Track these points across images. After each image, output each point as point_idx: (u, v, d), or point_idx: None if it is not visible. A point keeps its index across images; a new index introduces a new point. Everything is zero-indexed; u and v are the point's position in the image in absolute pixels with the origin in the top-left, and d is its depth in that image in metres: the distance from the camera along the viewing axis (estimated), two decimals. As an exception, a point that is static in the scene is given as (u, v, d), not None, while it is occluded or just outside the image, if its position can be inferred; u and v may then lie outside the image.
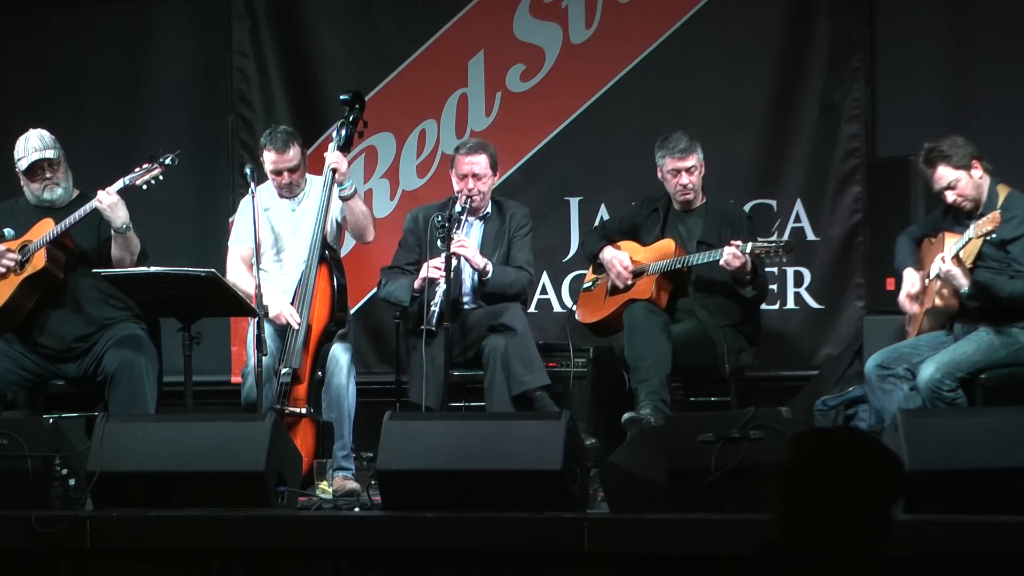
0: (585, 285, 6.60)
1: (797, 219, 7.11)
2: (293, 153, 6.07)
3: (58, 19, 7.70)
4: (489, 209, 6.33)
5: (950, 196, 5.67)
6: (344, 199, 6.00)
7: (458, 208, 6.06)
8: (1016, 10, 6.90)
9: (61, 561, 5.02)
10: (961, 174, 5.63)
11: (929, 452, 4.60)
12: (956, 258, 5.51)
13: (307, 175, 6.21)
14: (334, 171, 5.93)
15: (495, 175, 6.27)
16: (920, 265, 5.82)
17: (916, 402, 5.53)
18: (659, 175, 6.30)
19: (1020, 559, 4.46)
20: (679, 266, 6.17)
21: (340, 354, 5.87)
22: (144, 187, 5.86)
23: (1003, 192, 5.67)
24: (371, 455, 5.51)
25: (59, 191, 6.02)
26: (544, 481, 4.82)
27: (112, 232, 5.86)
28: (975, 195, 5.65)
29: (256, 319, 5.73)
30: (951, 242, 5.56)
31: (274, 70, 7.49)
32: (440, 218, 5.92)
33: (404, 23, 7.44)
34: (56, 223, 5.90)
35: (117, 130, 7.62)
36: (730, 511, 4.66)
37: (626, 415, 5.80)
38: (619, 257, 6.32)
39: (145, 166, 5.87)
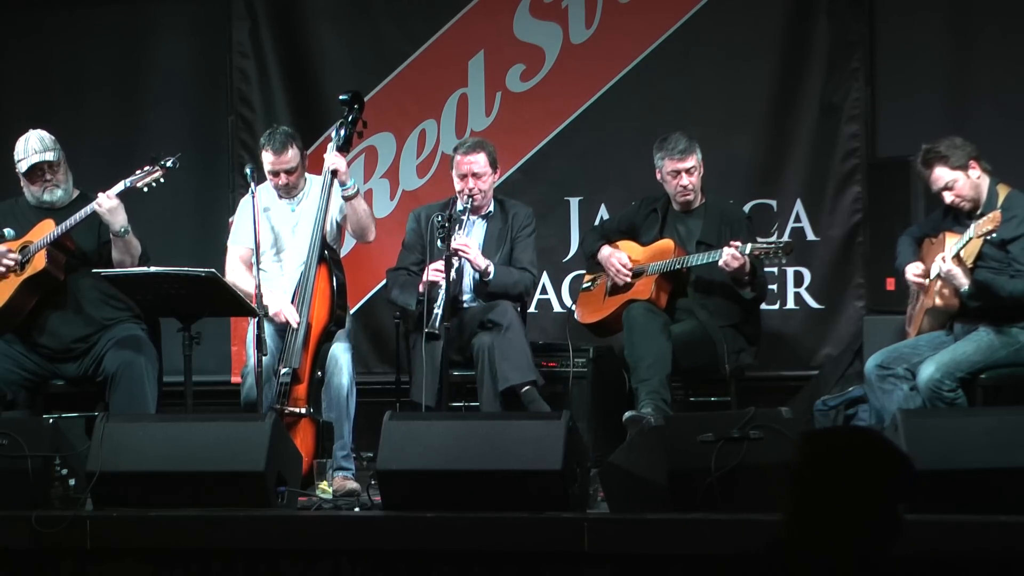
0: (584, 285, 6.60)
1: (797, 219, 7.11)
2: (291, 155, 6.07)
3: (58, 19, 7.70)
4: (492, 208, 6.33)
5: (948, 197, 5.67)
6: (347, 199, 6.00)
7: (460, 207, 6.07)
8: (1016, 10, 6.90)
9: (61, 561, 5.02)
10: (958, 175, 5.63)
11: (929, 452, 4.59)
12: (956, 257, 5.51)
13: (307, 175, 6.21)
14: (334, 173, 5.93)
15: (495, 173, 6.28)
16: (920, 264, 5.82)
17: (916, 402, 5.53)
18: (658, 176, 6.30)
19: (1020, 559, 4.46)
20: (678, 266, 6.17)
21: (340, 354, 5.88)
22: (145, 189, 5.86)
23: (1003, 192, 5.67)
24: (371, 455, 5.52)
25: (59, 192, 6.02)
26: (544, 481, 4.82)
27: (111, 235, 5.86)
28: (973, 195, 5.65)
29: (256, 319, 5.73)
30: (951, 242, 5.56)
31: (274, 70, 7.49)
32: (441, 218, 5.93)
33: (404, 23, 7.44)
34: (57, 224, 5.90)
35: (117, 130, 7.62)
36: (730, 511, 4.66)
37: (627, 414, 5.80)
38: (617, 256, 6.32)
39: (146, 168, 5.87)
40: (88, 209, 5.83)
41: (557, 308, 7.27)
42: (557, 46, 7.28)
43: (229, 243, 6.31)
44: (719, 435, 4.76)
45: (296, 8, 7.51)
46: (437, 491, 4.90)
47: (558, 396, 6.13)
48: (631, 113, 7.22)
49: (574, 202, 7.31)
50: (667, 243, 6.26)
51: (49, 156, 5.98)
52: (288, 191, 6.16)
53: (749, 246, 5.97)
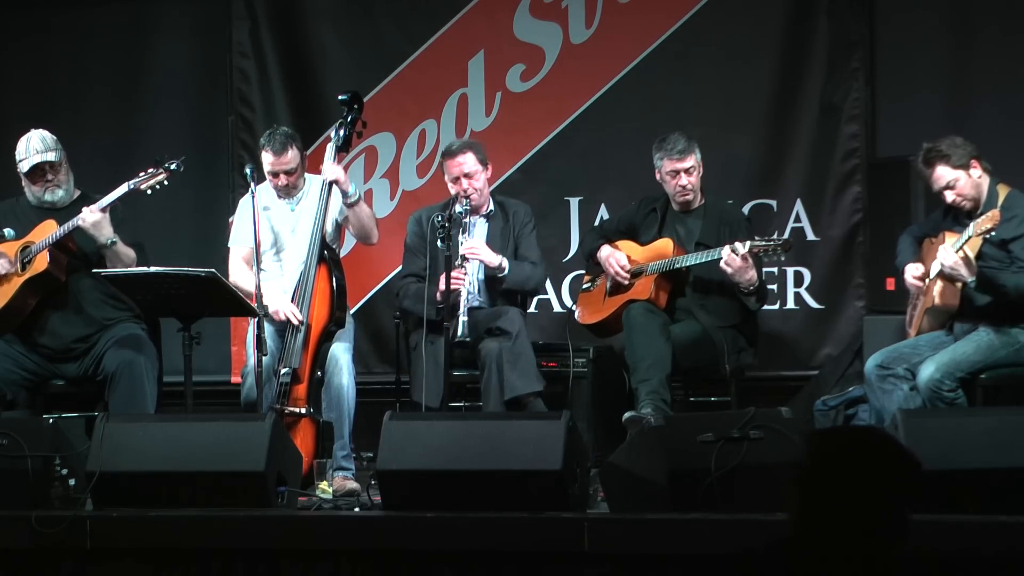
0: (584, 286, 6.60)
1: (797, 219, 7.11)
2: (290, 156, 6.07)
3: (58, 19, 7.70)
4: (491, 207, 6.33)
5: (949, 196, 5.66)
6: (350, 206, 6.01)
7: (459, 209, 6.06)
8: (1016, 10, 6.90)
9: (61, 561, 5.02)
10: (960, 174, 5.63)
11: (929, 452, 4.58)
12: (960, 251, 5.49)
13: (306, 174, 6.21)
14: (334, 183, 5.93)
15: (487, 169, 6.27)
16: (920, 264, 5.82)
17: (916, 402, 5.53)
18: (657, 176, 6.30)
19: (1020, 559, 4.46)
20: (677, 266, 6.17)
21: (340, 354, 5.88)
22: (148, 192, 5.87)
23: (1003, 191, 5.67)
24: (371, 455, 5.52)
25: (60, 193, 6.03)
26: (544, 481, 4.82)
27: (98, 248, 5.86)
28: (974, 195, 5.65)
29: (256, 319, 5.73)
30: (951, 241, 5.56)
31: (274, 70, 7.49)
32: (440, 218, 5.92)
33: (404, 23, 7.44)
34: (59, 224, 5.90)
35: (117, 130, 7.62)
36: (730, 511, 4.66)
37: (627, 414, 5.80)
38: (615, 256, 6.32)
39: (150, 171, 5.88)
40: (71, 224, 5.83)
41: (557, 308, 7.27)
42: (557, 46, 7.28)
43: (230, 244, 6.31)
44: (719, 435, 4.76)
45: (296, 8, 7.50)
46: (437, 491, 4.90)
47: (558, 396, 6.13)
48: (631, 113, 7.21)
49: (574, 202, 7.31)
50: (666, 243, 6.26)
51: (51, 156, 5.99)
52: (288, 192, 6.16)
53: (748, 244, 5.97)
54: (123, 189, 5.85)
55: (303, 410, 5.74)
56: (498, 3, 7.34)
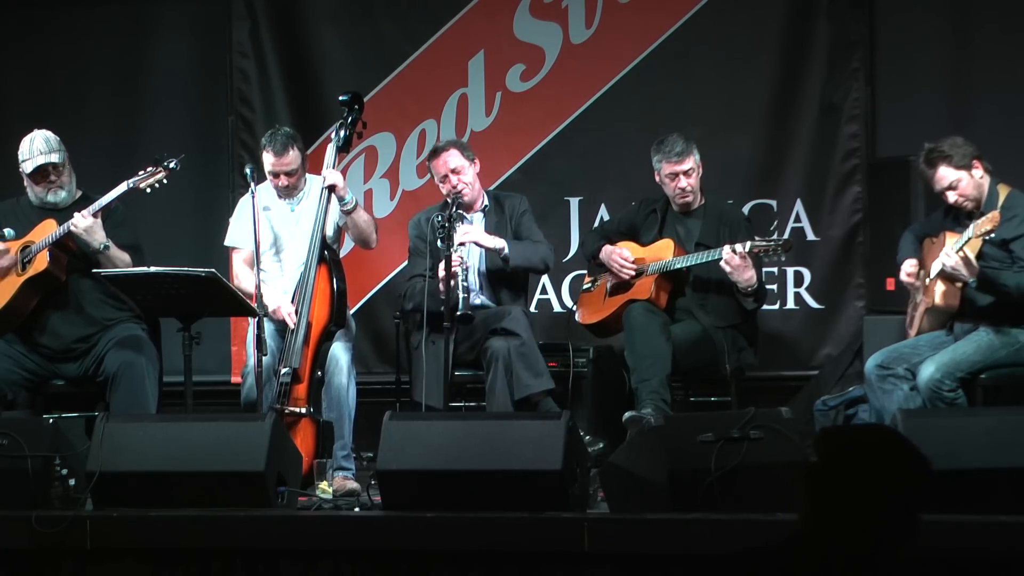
0: (585, 286, 6.60)
1: (797, 219, 7.11)
2: (291, 157, 6.06)
3: (58, 19, 7.70)
4: (486, 202, 6.34)
5: (951, 196, 5.66)
6: (347, 213, 6.01)
7: (452, 209, 6.06)
8: (1016, 10, 6.90)
9: (61, 561, 5.02)
10: (962, 174, 5.63)
11: (929, 452, 4.57)
12: (960, 250, 5.49)
13: (307, 175, 6.21)
14: (332, 188, 5.93)
15: (473, 163, 6.26)
16: (921, 264, 5.82)
17: (916, 402, 5.53)
18: (657, 178, 6.30)
19: (1020, 559, 4.46)
20: (678, 266, 6.17)
21: (340, 354, 5.88)
22: (148, 190, 5.87)
23: (1003, 192, 5.67)
24: (371, 455, 5.52)
25: (63, 194, 6.03)
26: (544, 481, 4.82)
27: (92, 252, 5.86)
28: (976, 195, 5.65)
29: (256, 319, 5.73)
30: (952, 241, 5.56)
31: (274, 70, 7.49)
32: (440, 219, 5.93)
33: (404, 23, 7.44)
34: (59, 224, 5.90)
35: (117, 130, 7.62)
36: (730, 511, 4.66)
37: (627, 414, 5.80)
38: (619, 251, 6.32)
39: (149, 169, 5.88)
40: (63, 229, 5.83)
41: (557, 308, 7.28)
42: (557, 46, 7.28)
43: (229, 244, 6.30)
44: (719, 435, 4.76)
45: (296, 8, 7.51)
46: (437, 491, 4.90)
47: (558, 396, 6.13)
48: (631, 113, 7.22)
49: (574, 202, 7.31)
50: (667, 243, 6.26)
51: (55, 157, 5.99)
52: (288, 192, 6.16)
53: (748, 244, 5.97)
54: (122, 188, 5.85)
55: (303, 410, 5.74)
56: (498, 3, 7.34)
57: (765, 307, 6.49)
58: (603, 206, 7.22)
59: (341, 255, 6.27)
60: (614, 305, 6.30)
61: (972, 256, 5.48)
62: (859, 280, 7.03)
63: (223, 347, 7.25)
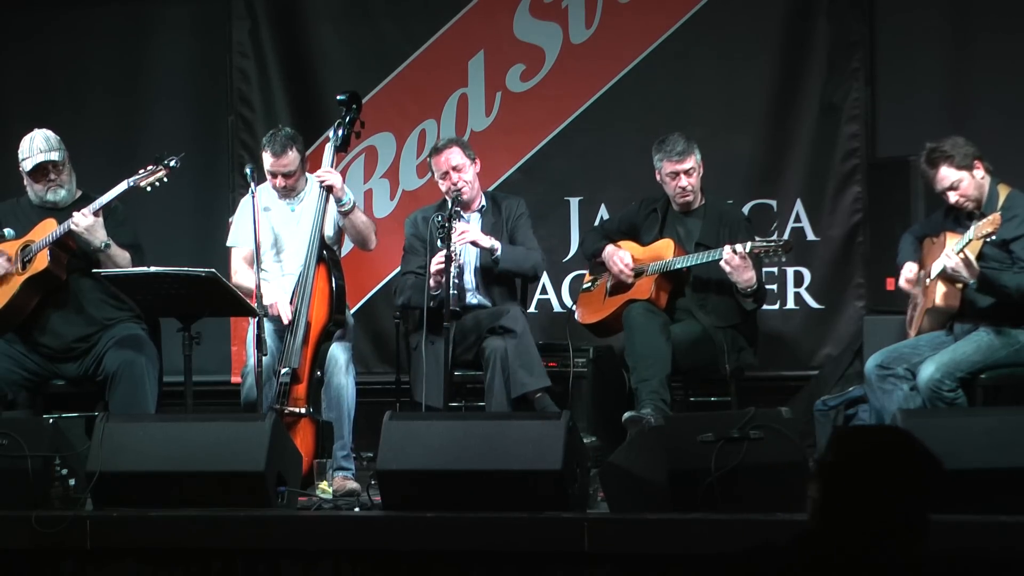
0: (585, 286, 6.60)
1: (797, 219, 7.11)
2: (290, 158, 6.06)
3: (58, 19, 7.69)
4: (484, 202, 6.35)
5: (952, 197, 5.66)
6: (344, 214, 6.01)
7: (450, 205, 6.07)
8: (1016, 10, 6.90)
9: (61, 561, 5.02)
10: (964, 174, 5.63)
11: (930, 452, 4.59)
12: (961, 252, 5.49)
13: (307, 175, 6.21)
14: (329, 189, 5.94)
15: (475, 164, 6.28)
16: (921, 264, 5.82)
17: (916, 402, 5.53)
18: (658, 178, 6.30)
19: (1020, 559, 4.46)
20: (678, 266, 6.17)
21: (339, 354, 5.88)
22: (148, 189, 5.87)
23: (1003, 192, 5.67)
24: (371, 455, 5.52)
25: (63, 192, 6.03)
26: (544, 481, 4.82)
27: (92, 251, 5.86)
28: (977, 195, 5.65)
29: (256, 319, 5.73)
30: (952, 242, 5.56)
31: (274, 70, 7.49)
32: (440, 218, 5.94)
33: (404, 23, 7.44)
34: (59, 223, 5.90)
35: (117, 130, 7.61)
36: (730, 511, 4.66)
37: (627, 414, 5.80)
38: (620, 255, 6.32)
39: (149, 168, 5.88)
40: (62, 228, 5.83)
41: (557, 308, 7.27)
42: (557, 46, 7.28)
43: (230, 244, 6.31)
44: (719, 435, 4.77)
45: (296, 8, 7.50)
46: (437, 491, 4.90)
47: (558, 396, 6.13)
48: (631, 113, 7.22)
49: (574, 202, 7.31)
50: (668, 243, 6.26)
51: (54, 156, 5.99)
52: (287, 193, 6.16)
53: (749, 245, 5.97)
54: (122, 187, 5.85)
55: (303, 410, 5.74)
56: (498, 3, 7.34)
57: (765, 307, 6.50)
58: (603, 206, 7.21)
59: (341, 255, 6.27)
60: (614, 305, 6.30)
61: (972, 257, 5.48)
62: (859, 280, 7.03)
63: (223, 347, 7.24)
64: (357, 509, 5.17)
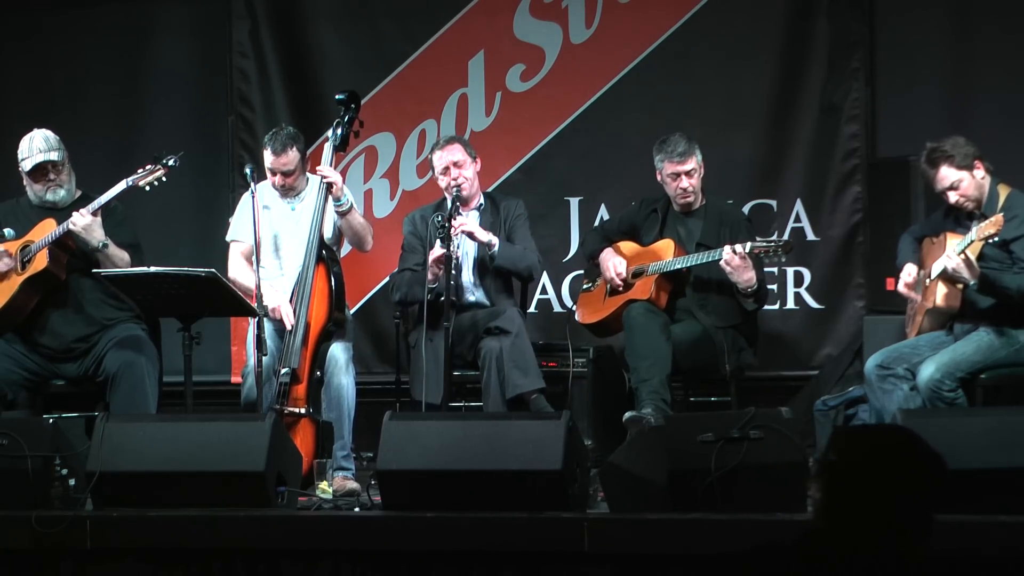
0: (585, 286, 6.60)
1: (797, 219, 7.11)
2: (290, 157, 6.07)
3: (58, 19, 7.70)
4: (482, 201, 6.35)
5: (952, 197, 5.66)
6: (341, 215, 6.01)
7: (449, 202, 6.08)
8: (1016, 10, 6.90)
9: (61, 561, 5.02)
10: (964, 174, 5.63)
11: (930, 452, 4.59)
12: (962, 253, 5.49)
13: (307, 175, 6.21)
14: (329, 186, 5.94)
15: (475, 162, 6.29)
16: (921, 264, 5.82)
17: (916, 402, 5.53)
18: (658, 178, 6.30)
19: (1020, 559, 4.46)
20: (679, 266, 6.17)
21: (339, 354, 5.88)
22: (147, 188, 5.87)
23: (1004, 192, 5.67)
24: (371, 455, 5.52)
25: (62, 192, 6.03)
26: (544, 481, 4.82)
27: (90, 251, 5.86)
28: (977, 195, 5.65)
29: (256, 319, 5.73)
30: (954, 242, 5.56)
31: (274, 70, 7.49)
32: (439, 218, 5.94)
33: (404, 23, 7.44)
34: (58, 223, 5.90)
35: (117, 130, 7.62)
36: (730, 511, 4.66)
37: (627, 414, 5.80)
38: (614, 261, 6.32)
39: (148, 167, 5.88)
40: (61, 229, 5.83)
41: (557, 308, 7.27)
42: (557, 46, 7.28)
43: (229, 238, 6.31)
44: (719, 435, 4.76)
45: (296, 8, 7.50)
46: (437, 491, 4.90)
47: (558, 396, 6.13)
48: (631, 113, 7.22)
49: (574, 202, 7.31)
50: (668, 243, 6.26)
51: (54, 156, 5.99)
52: (286, 191, 6.16)
53: (749, 245, 5.97)
54: (121, 186, 5.85)
55: (303, 410, 5.74)
56: (498, 3, 7.34)
57: (765, 307, 6.49)
58: (603, 206, 7.22)
59: (341, 255, 6.27)
60: (614, 305, 6.30)
61: (973, 258, 5.48)
62: (859, 280, 7.03)
63: (223, 347, 7.25)
64: (357, 509, 5.17)
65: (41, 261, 5.88)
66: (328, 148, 6.08)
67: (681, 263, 6.16)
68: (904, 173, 6.40)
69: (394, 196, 7.41)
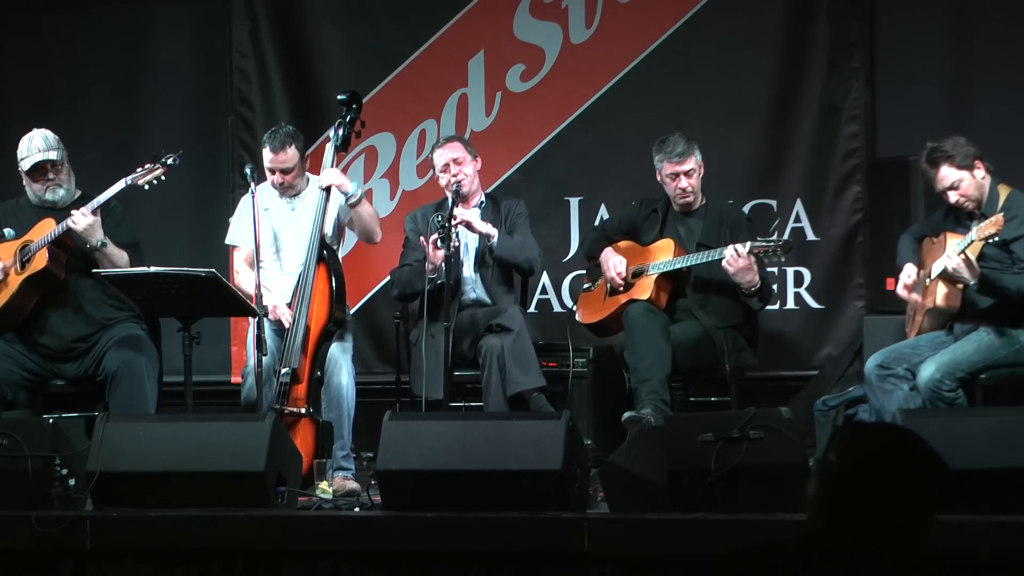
0: (585, 286, 6.60)
1: (797, 219, 7.11)
2: (288, 155, 6.07)
3: (58, 19, 7.70)
4: (483, 199, 6.36)
5: (953, 196, 5.66)
6: (352, 206, 6.01)
7: (450, 199, 6.08)
8: (1016, 10, 6.90)
9: (61, 561, 5.02)
10: (964, 174, 5.63)
11: (930, 452, 4.59)
12: (962, 253, 5.49)
13: (307, 174, 6.21)
14: (327, 189, 5.94)
15: (476, 161, 6.29)
16: (921, 264, 5.82)
17: (916, 402, 5.53)
18: (658, 178, 6.30)
19: (1020, 559, 4.46)
20: (679, 266, 6.17)
21: (339, 354, 5.88)
22: (146, 187, 5.87)
23: (1004, 192, 5.67)
24: (371, 455, 5.52)
25: (61, 192, 6.03)
26: (544, 481, 4.82)
27: (88, 249, 5.86)
28: (977, 195, 5.65)
29: (256, 319, 5.73)
30: (954, 242, 5.56)
31: (274, 70, 7.49)
32: (440, 218, 5.95)
33: (404, 23, 7.44)
34: (58, 223, 5.90)
35: (117, 130, 7.62)
36: (730, 511, 4.66)
37: (627, 414, 5.80)
38: (614, 260, 6.32)
39: (147, 166, 5.88)
40: (62, 227, 5.83)
41: (557, 308, 7.27)
42: (557, 46, 7.28)
43: (230, 242, 6.32)
44: (719, 435, 4.76)
45: (296, 8, 7.51)
46: (437, 491, 4.90)
47: (558, 396, 6.13)
48: (631, 113, 7.21)
49: (574, 202, 7.31)
50: (668, 243, 6.26)
51: (53, 155, 5.99)
52: (285, 190, 6.16)
53: (748, 245, 5.97)
54: (120, 185, 5.85)
55: (303, 410, 5.74)
56: (498, 3, 7.34)
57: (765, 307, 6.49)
58: (603, 206, 7.21)
59: (342, 254, 6.28)
60: (614, 305, 6.29)
61: (973, 258, 5.48)
62: (859, 280, 7.03)
63: (223, 347, 7.25)
64: (357, 509, 5.17)
65: (40, 261, 5.88)
66: (329, 148, 6.08)
67: (681, 263, 6.16)
68: (904, 173, 6.40)
69: (394, 196, 7.41)
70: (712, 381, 6.29)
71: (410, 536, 4.87)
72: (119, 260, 5.89)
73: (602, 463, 5.20)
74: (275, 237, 6.18)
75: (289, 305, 5.96)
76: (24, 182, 6.07)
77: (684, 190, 6.22)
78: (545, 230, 7.05)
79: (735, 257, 5.94)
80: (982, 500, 4.55)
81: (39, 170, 6.00)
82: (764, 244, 6.00)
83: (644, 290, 6.20)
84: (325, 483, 5.44)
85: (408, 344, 6.35)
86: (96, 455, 5.08)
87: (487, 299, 6.28)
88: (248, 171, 5.97)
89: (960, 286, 5.59)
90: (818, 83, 7.06)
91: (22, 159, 6.01)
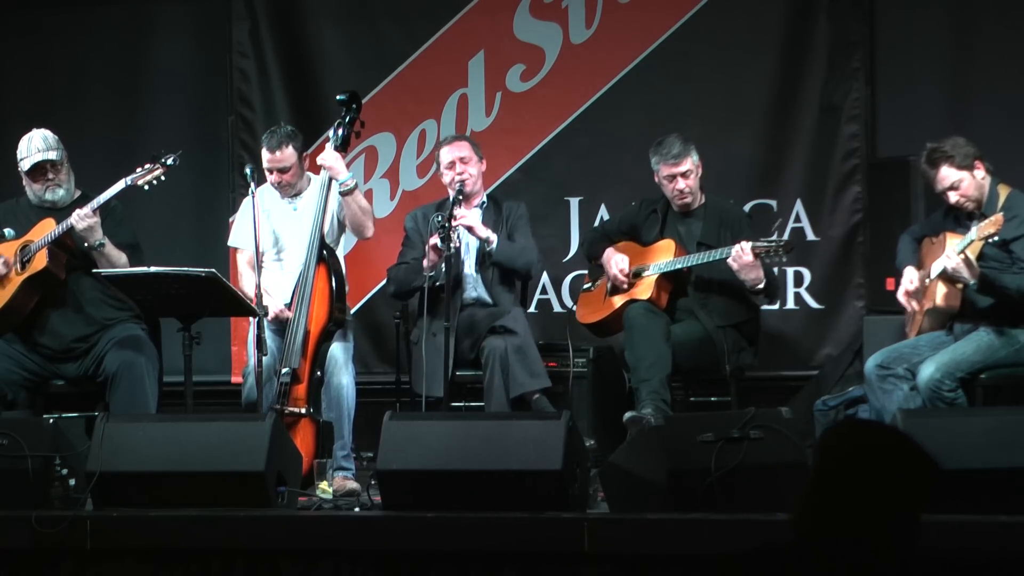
0: (585, 286, 6.60)
1: (797, 219, 7.10)
2: (286, 154, 6.07)
3: (58, 19, 7.70)
4: (484, 200, 6.36)
5: (953, 197, 5.66)
6: (344, 194, 6.00)
7: (452, 197, 6.08)
8: (1016, 10, 6.90)
9: (61, 561, 5.02)
10: (964, 175, 5.63)
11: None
12: (962, 253, 5.49)
13: (308, 174, 6.21)
14: (331, 181, 5.94)
15: (481, 162, 6.29)
16: (920, 264, 5.82)
17: (916, 402, 5.53)
18: (656, 180, 6.30)
19: (1020, 559, 4.46)
20: (680, 266, 6.17)
21: (339, 354, 5.88)
22: (146, 187, 5.87)
23: (1004, 192, 5.67)
24: (371, 455, 5.52)
25: (61, 192, 6.03)
26: (544, 481, 4.82)
27: (88, 248, 5.86)
28: (977, 196, 5.65)
29: (256, 319, 5.74)
30: (954, 242, 5.56)
31: (274, 70, 7.49)
32: (440, 218, 5.95)
33: (404, 23, 7.44)
34: (57, 223, 5.90)
35: (117, 130, 7.61)
36: (730, 511, 4.66)
37: (627, 414, 5.80)
38: (616, 259, 6.32)
39: (147, 166, 5.88)
40: (63, 227, 5.83)
41: (557, 308, 7.27)
42: (557, 46, 7.28)
43: (232, 245, 6.32)
44: (719, 435, 4.77)
45: (296, 8, 7.50)
46: (437, 491, 4.90)
47: (558, 396, 6.13)
48: (631, 113, 7.21)
49: (574, 202, 7.31)
50: (669, 243, 6.26)
51: (52, 155, 5.99)
52: (284, 190, 6.16)
53: (749, 244, 5.97)
54: (120, 185, 5.85)
55: (303, 410, 5.74)
56: (498, 3, 7.34)
57: (765, 307, 6.49)
58: (603, 206, 7.21)
59: (342, 253, 6.27)
60: (614, 305, 6.29)
61: (973, 258, 5.48)
62: (859, 280, 7.03)
63: (223, 347, 7.25)
64: (357, 509, 5.18)
65: (41, 261, 5.88)
66: (329, 148, 6.07)
67: (682, 263, 6.16)
68: (904, 173, 6.40)
69: (394, 196, 7.41)
70: (712, 381, 6.29)
71: (410, 536, 4.87)
72: (118, 260, 5.89)
73: (602, 463, 5.20)
74: (276, 238, 6.18)
75: (289, 305, 5.96)
76: (24, 182, 6.07)
77: (682, 191, 6.22)
78: (545, 230, 7.05)
79: (741, 254, 5.93)
80: (982, 500, 4.55)
81: (39, 170, 6.00)
82: (765, 244, 6.00)
83: (644, 290, 6.20)
84: (325, 483, 5.45)
85: (408, 343, 6.35)
86: (96, 455, 5.08)
87: (488, 298, 6.28)
88: (248, 171, 5.97)
89: (960, 286, 5.59)
90: (818, 83, 7.06)
91: (22, 159, 6.01)
